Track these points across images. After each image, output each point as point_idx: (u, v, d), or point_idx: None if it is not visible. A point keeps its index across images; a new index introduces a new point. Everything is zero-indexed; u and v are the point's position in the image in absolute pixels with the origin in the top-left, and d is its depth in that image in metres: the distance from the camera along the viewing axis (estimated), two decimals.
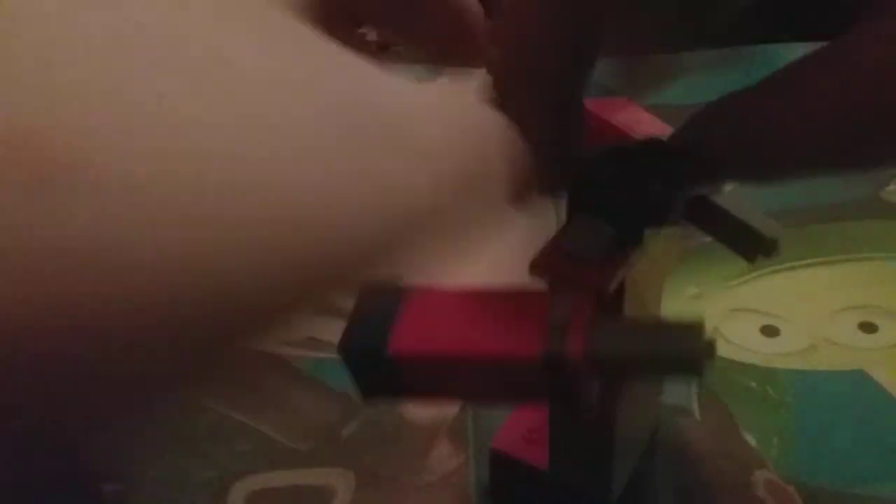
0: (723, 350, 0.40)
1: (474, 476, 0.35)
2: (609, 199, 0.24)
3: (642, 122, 0.29)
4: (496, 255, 0.46)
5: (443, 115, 0.18)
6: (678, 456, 0.36)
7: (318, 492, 0.35)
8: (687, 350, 0.20)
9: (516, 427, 0.33)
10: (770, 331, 0.42)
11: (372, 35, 0.92)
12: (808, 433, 0.37)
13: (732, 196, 0.27)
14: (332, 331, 0.46)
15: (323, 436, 0.38)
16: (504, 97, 0.22)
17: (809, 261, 0.46)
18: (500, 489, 0.34)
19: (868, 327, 0.43)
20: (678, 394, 0.39)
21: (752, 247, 0.27)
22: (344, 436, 0.38)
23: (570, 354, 0.21)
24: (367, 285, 0.23)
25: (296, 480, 0.35)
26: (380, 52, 0.88)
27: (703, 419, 0.38)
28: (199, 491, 0.35)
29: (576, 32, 0.20)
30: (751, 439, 0.37)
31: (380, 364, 0.22)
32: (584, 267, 0.24)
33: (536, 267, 0.25)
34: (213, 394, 0.40)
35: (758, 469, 0.35)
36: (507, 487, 0.34)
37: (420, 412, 0.39)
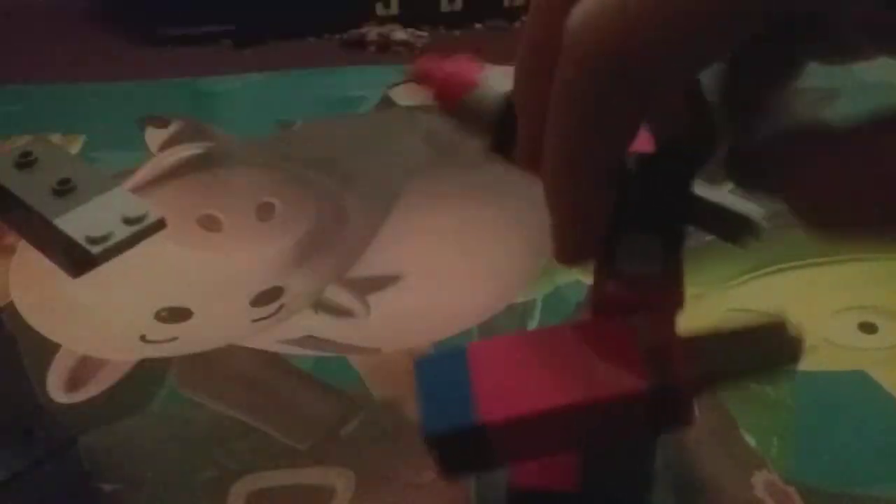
0: None
1: (474, 475, 0.35)
2: (655, 208, 0.24)
3: None
4: (494, 261, 0.46)
5: None
6: (678, 456, 0.36)
7: (317, 491, 0.35)
8: (784, 347, 0.21)
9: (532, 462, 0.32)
10: None
11: (372, 35, 0.92)
12: (808, 434, 0.37)
13: (709, 185, 0.26)
14: (332, 330, 0.46)
15: (323, 435, 0.38)
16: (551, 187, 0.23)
17: (809, 261, 0.46)
18: None
19: (868, 328, 0.43)
20: None
21: (737, 231, 0.26)
22: (343, 435, 0.38)
23: (677, 382, 0.21)
24: (422, 358, 0.22)
25: (296, 480, 0.35)
26: (380, 52, 0.88)
27: (704, 420, 0.38)
28: (199, 490, 0.35)
29: (610, 158, 0.21)
30: (751, 439, 0.37)
31: (471, 438, 0.21)
32: (650, 288, 0.23)
33: (602, 303, 0.23)
34: (212, 393, 0.40)
35: (757, 469, 0.35)
36: None
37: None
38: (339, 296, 0.46)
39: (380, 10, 0.89)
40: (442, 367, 0.22)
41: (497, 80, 0.31)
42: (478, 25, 0.92)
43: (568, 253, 0.23)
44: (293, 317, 0.45)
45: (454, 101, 0.31)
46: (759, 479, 0.35)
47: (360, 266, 0.48)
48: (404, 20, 0.88)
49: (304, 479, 0.35)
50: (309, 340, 0.43)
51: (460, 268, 0.49)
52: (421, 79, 0.31)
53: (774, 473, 0.35)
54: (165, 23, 0.85)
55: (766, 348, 0.21)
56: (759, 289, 0.44)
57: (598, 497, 0.30)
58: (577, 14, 0.19)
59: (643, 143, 0.28)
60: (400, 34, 0.85)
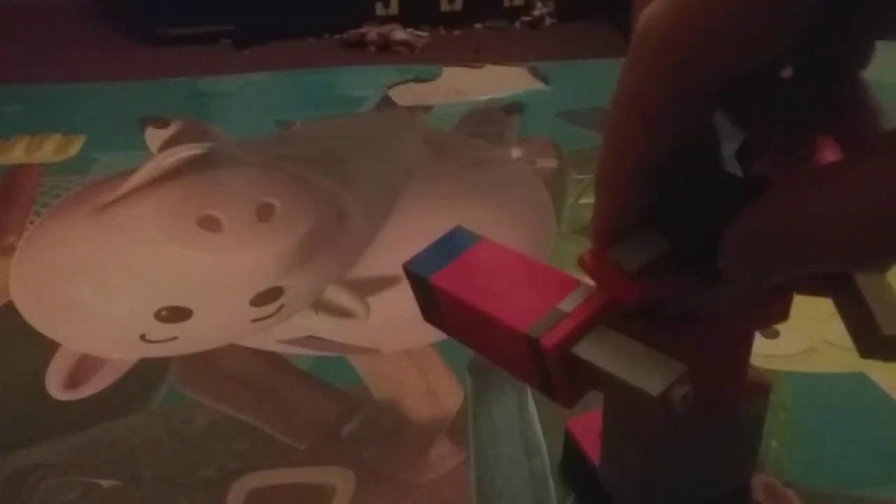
0: None
1: (474, 475, 0.35)
2: (687, 223, 0.23)
3: None
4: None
5: None
6: None
7: (317, 490, 0.35)
8: (648, 393, 0.20)
9: (596, 419, 0.33)
10: (769, 333, 0.42)
11: (372, 35, 0.93)
12: (808, 435, 0.37)
13: (878, 278, 0.25)
14: (332, 330, 0.46)
15: (323, 434, 0.38)
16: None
17: None
18: (565, 464, 0.35)
19: None
20: None
21: (867, 337, 0.25)
22: (344, 434, 0.38)
23: (544, 342, 0.22)
24: (455, 228, 0.27)
25: (296, 479, 0.35)
26: (380, 52, 0.89)
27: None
28: (199, 489, 0.35)
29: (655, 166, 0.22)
30: None
31: (424, 288, 0.26)
32: (625, 277, 0.23)
33: (582, 260, 0.25)
34: (212, 392, 0.40)
35: (756, 472, 0.35)
36: (570, 465, 0.35)
37: (420, 411, 0.39)
38: (339, 296, 0.46)
39: (380, 10, 0.89)
40: (457, 236, 0.27)
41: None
42: (478, 25, 0.92)
43: (600, 234, 0.24)
44: (293, 317, 0.45)
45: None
46: (758, 482, 0.35)
47: (360, 266, 0.48)
48: (404, 20, 0.88)
49: (304, 478, 0.35)
50: (309, 340, 0.43)
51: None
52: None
53: (773, 476, 0.35)
54: (165, 23, 0.85)
55: (637, 384, 0.21)
56: None
57: (606, 478, 0.31)
58: (644, 11, 0.20)
59: None
60: (400, 34, 0.85)
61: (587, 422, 0.33)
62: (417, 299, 0.27)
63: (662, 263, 0.23)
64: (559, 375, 0.23)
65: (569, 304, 0.23)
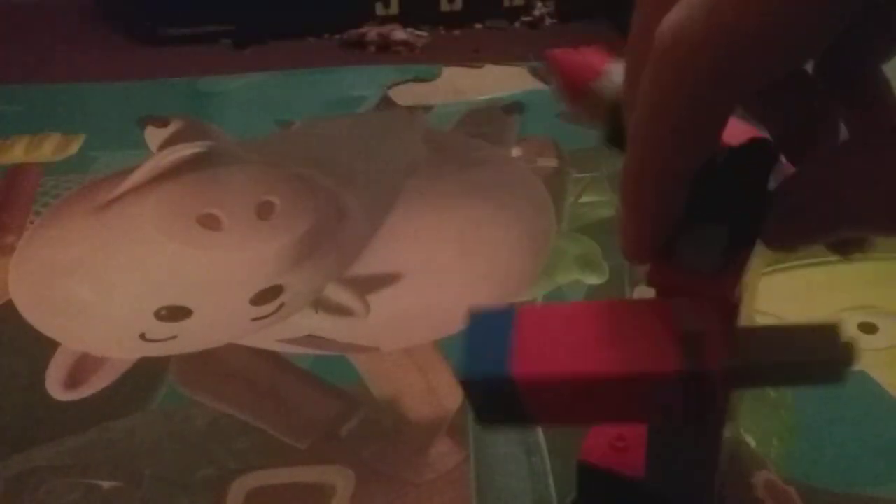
0: None
1: (474, 473, 0.35)
2: (729, 200, 0.24)
3: None
4: (495, 255, 0.46)
5: None
6: None
7: (317, 489, 0.35)
8: (829, 356, 0.20)
9: (602, 437, 0.32)
10: None
11: (372, 35, 0.93)
12: (808, 434, 0.37)
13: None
14: (332, 329, 0.46)
15: (323, 433, 0.38)
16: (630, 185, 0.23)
17: (809, 261, 0.46)
18: (590, 500, 0.33)
19: (868, 328, 0.43)
20: None
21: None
22: (344, 433, 0.38)
23: (710, 368, 0.21)
24: (475, 309, 0.23)
25: (295, 478, 0.35)
26: (380, 52, 0.89)
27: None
28: (199, 488, 0.35)
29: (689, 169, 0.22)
30: (751, 440, 0.37)
31: (502, 388, 0.21)
32: (705, 277, 0.23)
33: (655, 280, 0.24)
34: (212, 391, 0.40)
35: (758, 470, 0.35)
36: (596, 498, 0.33)
37: (420, 410, 0.39)
38: (338, 295, 0.46)
39: (380, 10, 0.89)
40: (490, 320, 0.23)
41: (620, 73, 0.31)
42: (478, 25, 0.92)
43: (640, 250, 0.23)
44: (293, 315, 0.45)
45: (578, 88, 0.30)
46: (760, 480, 0.35)
47: (359, 265, 0.48)
48: (404, 20, 0.88)
49: (304, 477, 0.35)
50: (309, 339, 0.43)
51: (460, 268, 0.48)
52: (551, 63, 0.31)
53: (774, 474, 0.35)
54: (166, 23, 0.85)
55: (813, 350, 0.21)
56: (760, 289, 0.44)
57: (660, 486, 0.30)
58: (667, 19, 0.20)
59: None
60: (400, 34, 0.85)
61: (596, 443, 0.32)
62: (479, 408, 0.23)
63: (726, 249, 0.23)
64: (723, 395, 0.22)
65: (692, 324, 0.22)
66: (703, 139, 0.21)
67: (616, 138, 0.29)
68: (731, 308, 0.23)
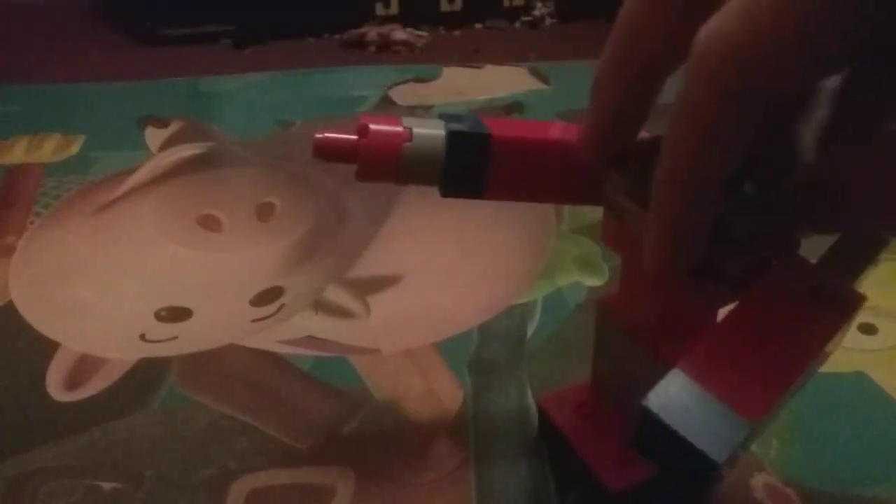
0: None
1: (474, 474, 0.35)
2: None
3: None
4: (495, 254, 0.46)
5: None
6: None
7: (318, 490, 0.35)
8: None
9: (570, 396, 0.34)
10: None
11: (372, 35, 0.92)
12: (808, 435, 0.37)
13: None
14: (332, 330, 0.46)
15: (323, 434, 0.38)
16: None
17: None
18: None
19: (868, 328, 0.43)
20: None
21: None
22: (344, 434, 0.38)
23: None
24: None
25: (296, 479, 0.35)
26: (380, 52, 0.88)
27: None
28: (199, 489, 0.35)
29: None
30: None
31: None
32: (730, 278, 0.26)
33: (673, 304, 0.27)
34: (212, 392, 0.40)
35: (757, 471, 0.35)
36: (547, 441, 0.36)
37: (420, 411, 0.39)
38: (339, 296, 0.46)
39: (380, 10, 0.89)
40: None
41: (421, 124, 0.29)
42: (477, 25, 0.92)
43: (675, 262, 0.24)
44: (293, 317, 0.45)
45: (391, 163, 0.29)
46: (759, 482, 0.35)
47: (360, 266, 0.48)
48: (404, 20, 0.88)
49: (304, 478, 0.35)
50: (309, 340, 0.43)
51: (460, 268, 0.49)
52: (333, 154, 0.29)
53: (773, 475, 0.35)
54: (166, 23, 0.85)
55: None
56: None
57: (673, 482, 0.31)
58: (705, 29, 0.20)
59: None
60: (400, 34, 0.85)
61: (558, 398, 0.35)
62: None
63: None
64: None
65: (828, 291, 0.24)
66: (739, 144, 0.21)
67: (459, 186, 0.30)
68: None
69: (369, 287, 0.46)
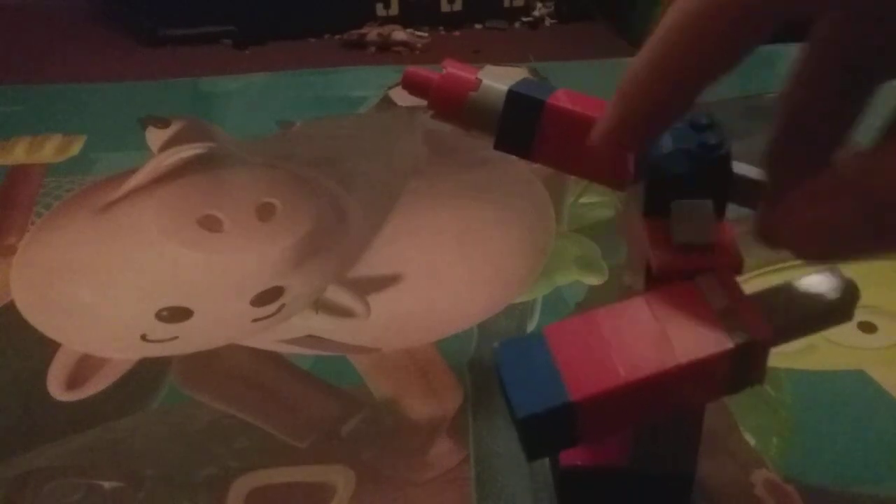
0: None
1: (474, 473, 0.35)
2: (707, 176, 0.25)
3: None
4: (499, 253, 0.46)
5: None
6: None
7: (318, 489, 0.35)
8: (844, 296, 0.22)
9: None
10: None
11: (372, 35, 0.93)
12: (808, 433, 0.37)
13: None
14: (333, 330, 0.46)
15: (323, 433, 0.38)
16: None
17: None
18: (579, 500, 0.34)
19: (868, 327, 0.43)
20: None
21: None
22: (344, 433, 0.38)
23: (761, 336, 0.22)
24: (503, 344, 0.23)
25: (296, 478, 0.36)
26: (380, 52, 0.89)
27: (704, 418, 0.38)
28: (200, 488, 0.35)
29: None
30: (751, 439, 0.37)
31: (564, 416, 0.21)
32: (707, 251, 0.24)
33: (663, 270, 0.24)
34: (213, 392, 0.40)
35: (757, 468, 0.35)
36: (585, 498, 0.33)
37: (420, 410, 0.39)
38: (339, 296, 0.46)
39: (380, 10, 0.89)
40: (523, 351, 0.22)
41: (494, 77, 0.33)
42: (478, 26, 0.92)
43: (613, 135, 0.24)
44: (293, 317, 0.45)
45: (456, 104, 0.33)
46: (759, 478, 0.35)
47: (360, 266, 0.48)
48: (404, 21, 0.89)
49: (305, 477, 0.36)
50: (309, 340, 0.43)
51: (460, 268, 0.49)
52: (416, 86, 0.33)
53: (774, 472, 0.35)
54: (166, 23, 0.85)
55: (827, 296, 0.22)
56: (759, 288, 0.44)
57: (646, 469, 0.30)
58: None
59: None
60: (400, 35, 0.85)
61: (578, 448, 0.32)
62: (535, 442, 0.22)
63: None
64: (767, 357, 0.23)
65: (717, 300, 0.23)
66: (728, 53, 0.22)
67: (511, 141, 0.33)
68: (740, 272, 0.24)
69: (370, 287, 0.47)
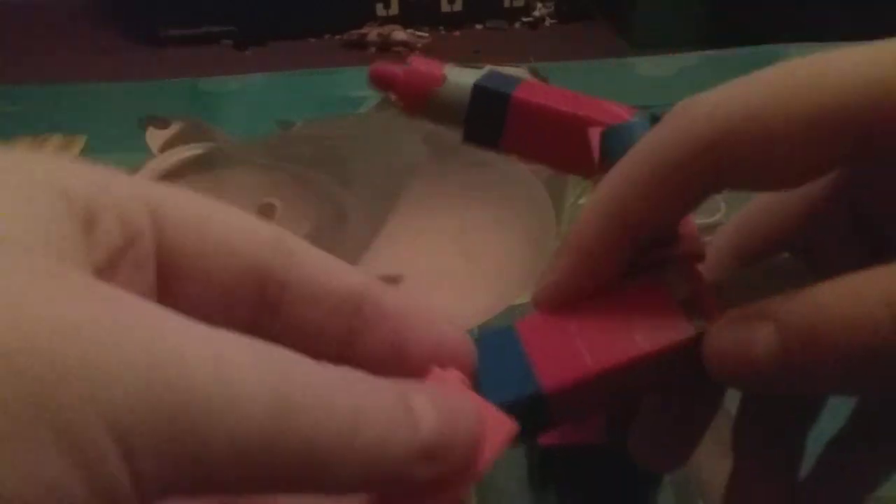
0: None
1: None
2: None
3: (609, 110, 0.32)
4: (498, 257, 0.46)
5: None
6: None
7: None
8: (796, 276, 0.23)
9: None
10: None
11: (372, 36, 0.93)
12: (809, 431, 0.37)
13: None
14: None
15: None
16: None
17: None
18: (557, 478, 0.35)
19: None
20: None
21: None
22: None
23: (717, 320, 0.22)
24: (477, 337, 0.23)
25: None
26: (380, 52, 0.89)
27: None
28: None
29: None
30: None
31: (533, 405, 0.22)
32: (669, 243, 0.24)
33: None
34: None
35: None
36: (562, 475, 0.34)
37: None
38: None
39: (380, 10, 0.89)
40: (495, 344, 0.23)
41: (459, 73, 0.34)
42: (478, 26, 0.92)
43: (552, 298, 0.24)
44: None
45: (422, 99, 0.34)
46: None
47: (360, 266, 0.48)
48: (404, 21, 0.89)
49: None
50: None
51: (460, 268, 0.49)
52: (381, 81, 0.34)
53: None
54: (166, 23, 0.85)
55: (788, 280, 0.22)
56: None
57: (622, 446, 0.31)
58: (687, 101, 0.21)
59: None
60: (400, 35, 0.85)
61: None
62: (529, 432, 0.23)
63: None
64: None
65: (680, 290, 0.23)
66: (673, 203, 0.22)
67: (478, 134, 0.33)
68: (701, 259, 0.24)
69: None
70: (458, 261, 0.49)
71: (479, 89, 0.33)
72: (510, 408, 0.21)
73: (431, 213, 0.53)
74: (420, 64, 0.34)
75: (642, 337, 0.22)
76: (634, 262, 0.24)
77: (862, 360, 0.18)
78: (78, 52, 0.83)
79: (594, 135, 0.30)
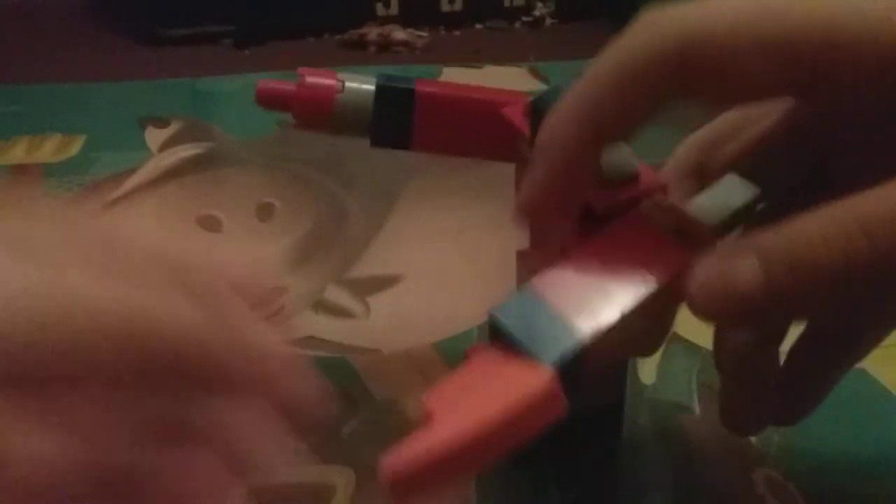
0: None
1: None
2: None
3: None
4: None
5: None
6: (679, 452, 0.36)
7: (318, 489, 0.35)
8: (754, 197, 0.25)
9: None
10: None
11: (372, 35, 0.93)
12: (809, 430, 0.37)
13: None
14: (332, 330, 0.46)
15: (323, 433, 0.38)
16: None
17: None
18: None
19: None
20: (679, 391, 0.39)
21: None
22: (344, 433, 0.38)
23: (707, 242, 0.24)
24: (502, 306, 0.24)
25: (296, 478, 0.35)
26: (380, 52, 0.89)
27: (704, 416, 0.38)
28: None
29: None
30: (752, 437, 0.37)
31: (579, 360, 0.23)
32: (634, 182, 0.26)
33: (607, 207, 0.26)
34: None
35: (758, 466, 0.35)
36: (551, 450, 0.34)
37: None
38: (338, 296, 0.46)
39: (380, 10, 0.89)
40: (519, 308, 0.24)
41: (355, 79, 0.33)
42: (478, 25, 0.92)
43: (536, 203, 0.25)
44: (293, 317, 0.45)
45: (324, 110, 0.33)
46: (760, 476, 0.35)
47: (359, 266, 0.48)
48: (404, 20, 0.88)
49: (304, 477, 0.35)
50: (309, 341, 0.43)
51: (460, 268, 0.49)
52: (272, 101, 0.33)
53: (774, 470, 0.35)
54: (165, 23, 0.85)
55: (745, 193, 0.25)
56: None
57: (576, 403, 0.31)
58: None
59: None
60: (400, 34, 0.85)
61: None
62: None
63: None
64: None
65: (663, 220, 0.25)
66: (642, 106, 0.23)
67: (386, 138, 0.33)
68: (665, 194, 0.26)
69: (369, 287, 0.46)
70: (458, 260, 0.49)
71: (382, 88, 0.32)
72: (561, 365, 0.22)
73: (431, 213, 0.53)
74: (312, 75, 0.33)
75: (651, 270, 0.23)
76: (606, 207, 0.25)
77: (841, 278, 0.20)
78: (77, 51, 0.83)
79: (514, 113, 0.30)
